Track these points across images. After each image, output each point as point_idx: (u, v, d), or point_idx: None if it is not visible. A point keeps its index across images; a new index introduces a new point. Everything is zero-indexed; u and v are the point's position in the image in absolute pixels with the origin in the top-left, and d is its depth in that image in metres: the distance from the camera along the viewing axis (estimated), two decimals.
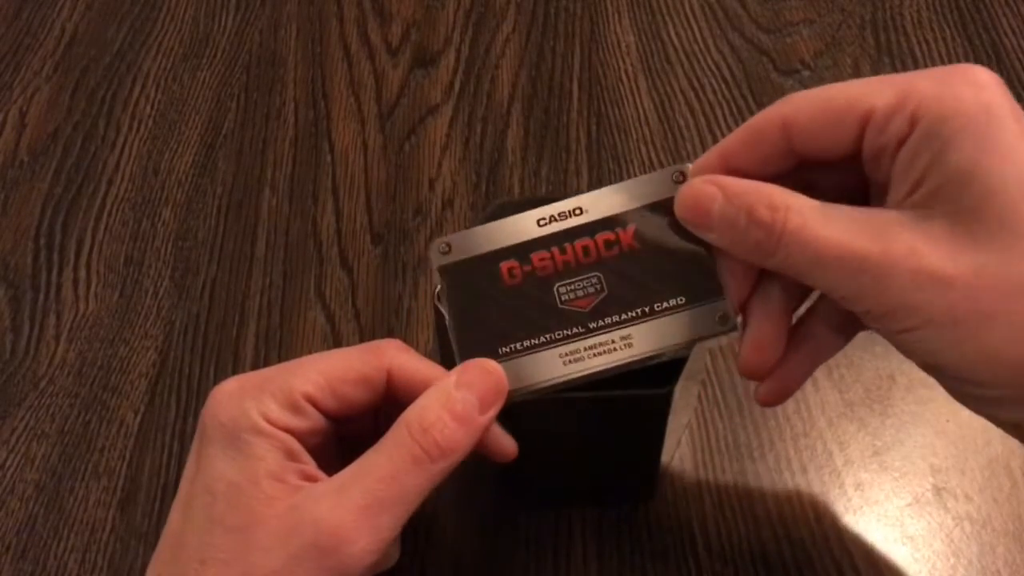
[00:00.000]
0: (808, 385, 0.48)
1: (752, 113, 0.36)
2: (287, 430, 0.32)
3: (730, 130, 0.38)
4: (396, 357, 0.34)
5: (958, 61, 0.60)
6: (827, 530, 0.43)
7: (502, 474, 0.44)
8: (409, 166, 0.59)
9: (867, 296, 0.30)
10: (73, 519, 0.46)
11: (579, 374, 0.34)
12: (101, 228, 0.57)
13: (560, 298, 0.34)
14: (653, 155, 0.58)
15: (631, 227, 0.35)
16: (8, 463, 0.48)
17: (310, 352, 0.52)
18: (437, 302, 0.35)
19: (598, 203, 0.35)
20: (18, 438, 0.49)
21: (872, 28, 0.63)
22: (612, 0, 0.66)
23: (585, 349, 0.34)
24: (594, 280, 0.35)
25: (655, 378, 0.35)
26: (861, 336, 0.36)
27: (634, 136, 0.59)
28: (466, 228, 0.35)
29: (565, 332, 0.34)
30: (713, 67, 0.62)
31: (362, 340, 0.51)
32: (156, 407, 0.50)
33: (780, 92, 0.59)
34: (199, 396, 0.50)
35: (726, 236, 0.32)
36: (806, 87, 0.31)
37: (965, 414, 0.32)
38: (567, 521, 0.44)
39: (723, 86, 0.61)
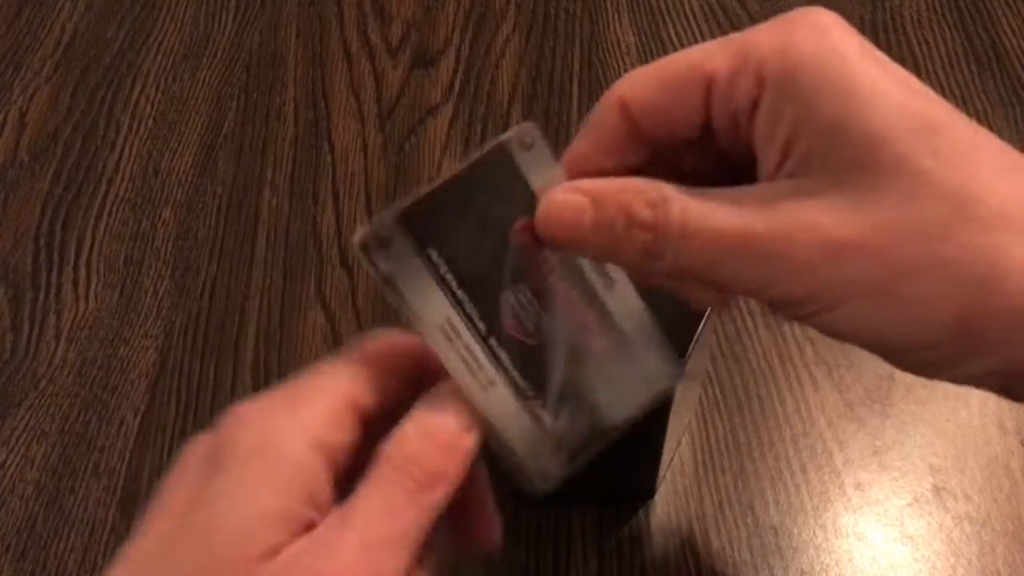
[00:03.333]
0: (808, 385, 0.48)
1: None
2: (331, 451, 0.28)
3: None
4: (388, 333, 0.31)
5: (958, 61, 0.60)
6: (827, 530, 0.43)
7: (503, 473, 0.44)
8: (409, 166, 0.59)
9: (776, 283, 0.26)
10: (73, 519, 0.46)
11: (432, 343, 0.30)
12: (101, 228, 0.57)
13: (508, 296, 0.31)
14: None
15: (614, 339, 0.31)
16: (8, 463, 0.48)
17: (311, 353, 0.53)
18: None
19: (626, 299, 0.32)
20: (18, 438, 0.49)
21: (872, 28, 0.63)
22: (612, 0, 0.66)
23: (461, 341, 0.30)
24: (544, 322, 0.31)
25: None
26: None
27: None
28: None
29: (473, 314, 0.30)
30: None
31: None
32: (156, 407, 0.50)
33: None
34: (199, 396, 0.50)
35: (605, 247, 0.28)
36: None
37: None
38: (567, 521, 0.44)
39: None
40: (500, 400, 0.31)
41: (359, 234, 0.29)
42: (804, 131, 0.26)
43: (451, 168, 0.31)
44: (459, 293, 0.30)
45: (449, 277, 0.30)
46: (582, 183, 0.29)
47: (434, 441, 0.28)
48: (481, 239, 0.30)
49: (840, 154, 0.26)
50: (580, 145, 0.30)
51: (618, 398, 0.32)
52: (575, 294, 0.31)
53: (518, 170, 0.30)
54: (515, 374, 0.31)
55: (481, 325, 0.30)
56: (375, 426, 0.30)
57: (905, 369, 0.28)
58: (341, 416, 0.28)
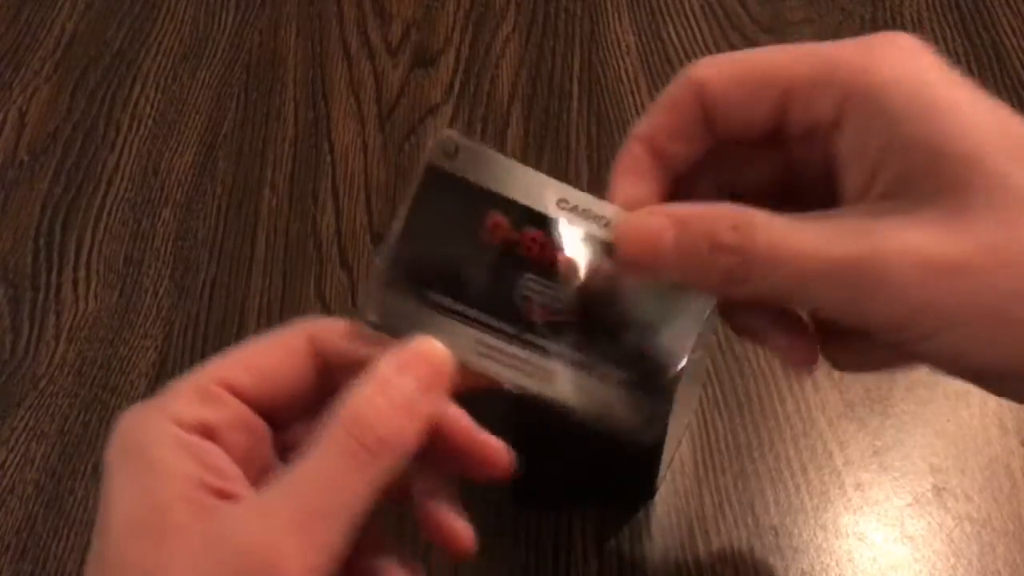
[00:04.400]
0: (808, 385, 0.48)
1: None
2: (201, 426, 0.27)
3: None
4: (311, 322, 0.30)
5: (958, 61, 0.60)
6: (827, 530, 0.43)
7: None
8: (409, 166, 0.59)
9: (869, 307, 0.26)
10: (73, 519, 0.46)
11: (481, 371, 0.30)
12: (101, 228, 0.57)
13: (520, 290, 0.30)
14: None
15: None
16: (8, 463, 0.48)
17: None
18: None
19: None
20: (18, 438, 0.49)
21: (872, 28, 0.63)
22: (612, 0, 0.66)
23: (502, 353, 0.30)
24: (566, 293, 0.31)
25: None
26: None
27: None
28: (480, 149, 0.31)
29: (499, 324, 0.30)
30: None
31: None
32: None
33: None
34: None
35: (688, 271, 0.28)
36: None
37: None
38: (567, 521, 0.44)
39: None
40: (569, 384, 0.30)
41: (361, 314, 0.30)
42: (894, 152, 0.26)
43: (400, 212, 0.31)
44: (474, 314, 0.30)
45: (458, 306, 0.30)
46: (665, 206, 0.28)
47: (391, 402, 0.27)
48: (462, 256, 0.31)
49: (935, 175, 0.25)
50: (650, 121, 0.30)
51: (673, 327, 0.31)
52: (580, 251, 0.31)
53: (456, 177, 0.31)
54: (568, 353, 0.30)
55: (510, 329, 0.30)
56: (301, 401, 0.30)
57: (1008, 397, 0.27)
58: (208, 393, 0.28)
